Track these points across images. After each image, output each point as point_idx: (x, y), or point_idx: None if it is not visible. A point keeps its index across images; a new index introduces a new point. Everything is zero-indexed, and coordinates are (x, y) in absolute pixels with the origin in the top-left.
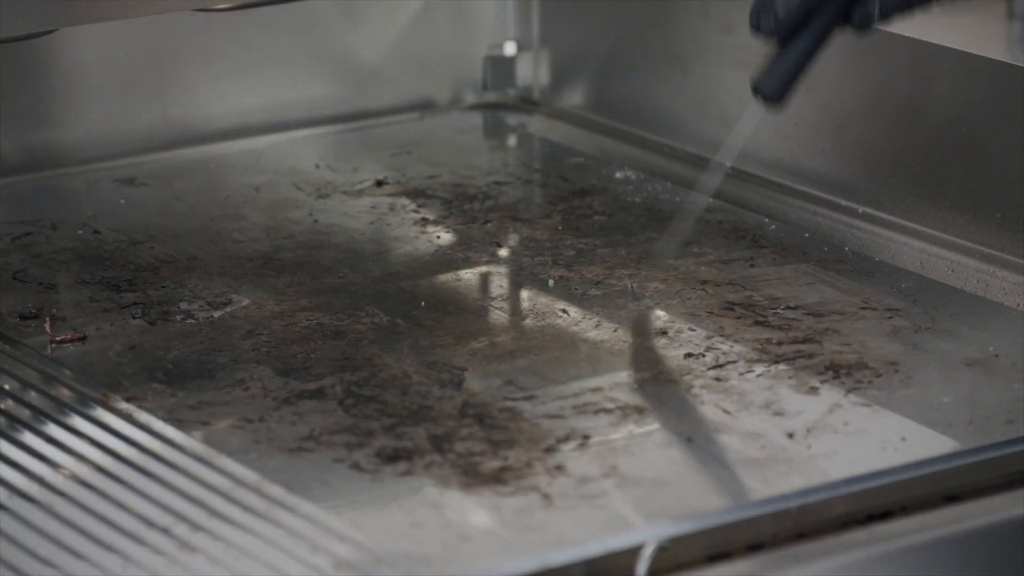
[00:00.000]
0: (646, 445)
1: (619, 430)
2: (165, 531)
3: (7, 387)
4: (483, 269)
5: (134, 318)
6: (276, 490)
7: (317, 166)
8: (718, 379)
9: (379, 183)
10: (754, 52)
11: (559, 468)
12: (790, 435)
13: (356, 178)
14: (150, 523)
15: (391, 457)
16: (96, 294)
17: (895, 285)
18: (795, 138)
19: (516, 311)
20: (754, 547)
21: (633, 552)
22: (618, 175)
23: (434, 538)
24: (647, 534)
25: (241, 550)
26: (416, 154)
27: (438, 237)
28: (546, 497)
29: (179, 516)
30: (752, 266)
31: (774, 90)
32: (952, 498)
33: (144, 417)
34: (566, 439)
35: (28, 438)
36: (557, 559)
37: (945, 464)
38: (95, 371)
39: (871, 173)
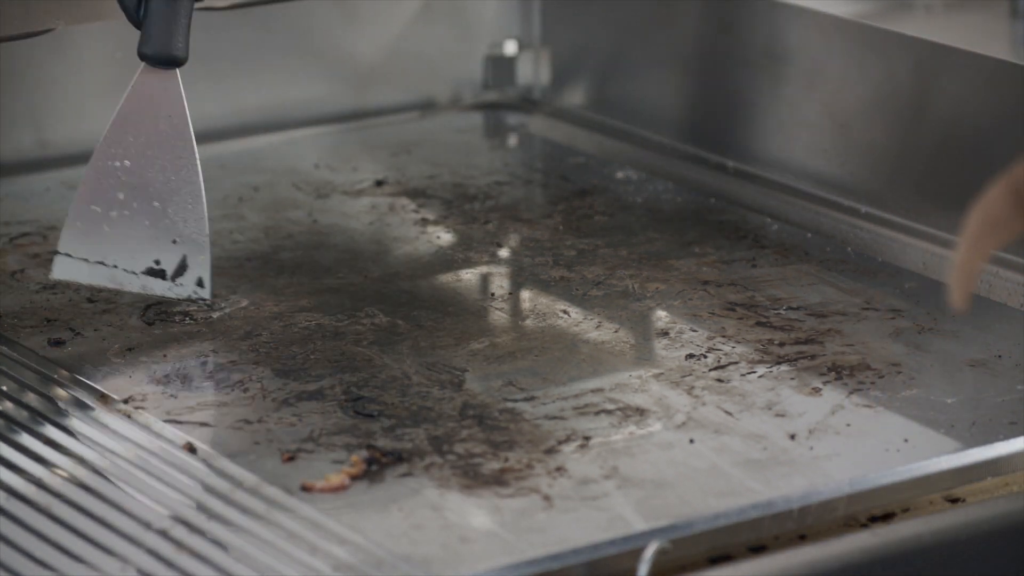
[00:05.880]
0: (647, 446)
1: (620, 431)
2: (163, 533)
3: (5, 388)
4: (483, 269)
5: (132, 319)
6: (275, 492)
7: (316, 166)
8: (720, 380)
9: (379, 183)
10: (756, 52)
11: (560, 469)
12: (792, 436)
13: (356, 178)
14: (148, 525)
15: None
16: (94, 295)
17: (898, 286)
18: (797, 138)
19: (516, 312)
20: (756, 549)
21: (634, 554)
22: (619, 175)
23: (434, 540)
24: (648, 536)
25: (240, 552)
26: (416, 154)
27: (438, 237)
28: (547, 498)
29: (177, 518)
30: (754, 266)
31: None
32: (955, 500)
33: (142, 418)
34: (567, 440)
35: (26, 440)
36: (558, 561)
37: (947, 465)
38: (93, 372)
39: (874, 173)
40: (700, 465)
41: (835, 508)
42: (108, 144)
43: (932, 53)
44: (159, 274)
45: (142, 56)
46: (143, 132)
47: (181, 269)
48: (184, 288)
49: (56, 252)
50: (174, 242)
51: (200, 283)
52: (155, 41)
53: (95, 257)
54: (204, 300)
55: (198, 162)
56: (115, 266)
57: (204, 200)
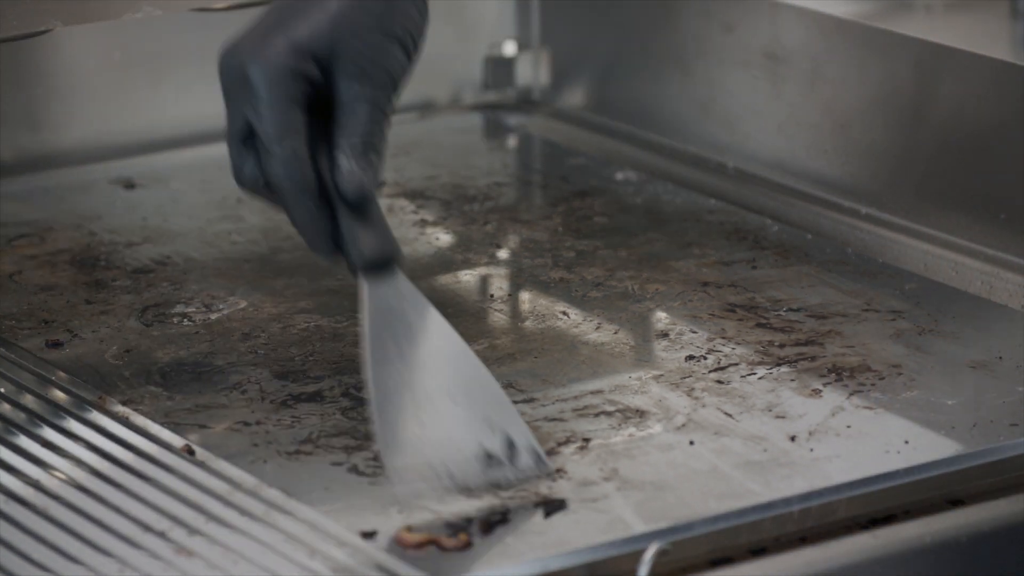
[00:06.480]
0: (647, 448)
1: (620, 433)
2: (162, 535)
3: (2, 390)
4: (483, 271)
5: (130, 320)
6: (274, 494)
7: None
8: (720, 381)
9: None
10: (756, 52)
11: (559, 471)
12: (792, 438)
13: None
14: (147, 527)
15: None
16: (92, 296)
17: (898, 287)
18: (797, 138)
19: (516, 313)
20: (756, 551)
21: (634, 556)
22: (619, 176)
23: None
24: (648, 538)
25: (239, 554)
26: (415, 155)
27: (437, 238)
28: (547, 500)
29: (176, 520)
30: (754, 267)
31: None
32: (956, 501)
33: (140, 420)
34: (566, 442)
35: (23, 441)
36: (558, 563)
37: (948, 467)
38: (91, 374)
39: (874, 174)
40: (700, 467)
41: (835, 510)
42: (377, 364)
43: (933, 54)
44: (495, 462)
45: (359, 270)
46: (403, 339)
47: (511, 448)
48: (526, 467)
49: (391, 467)
50: (489, 427)
51: (537, 456)
52: (368, 248)
53: (429, 463)
54: (549, 471)
55: (466, 345)
56: (453, 469)
57: (493, 378)
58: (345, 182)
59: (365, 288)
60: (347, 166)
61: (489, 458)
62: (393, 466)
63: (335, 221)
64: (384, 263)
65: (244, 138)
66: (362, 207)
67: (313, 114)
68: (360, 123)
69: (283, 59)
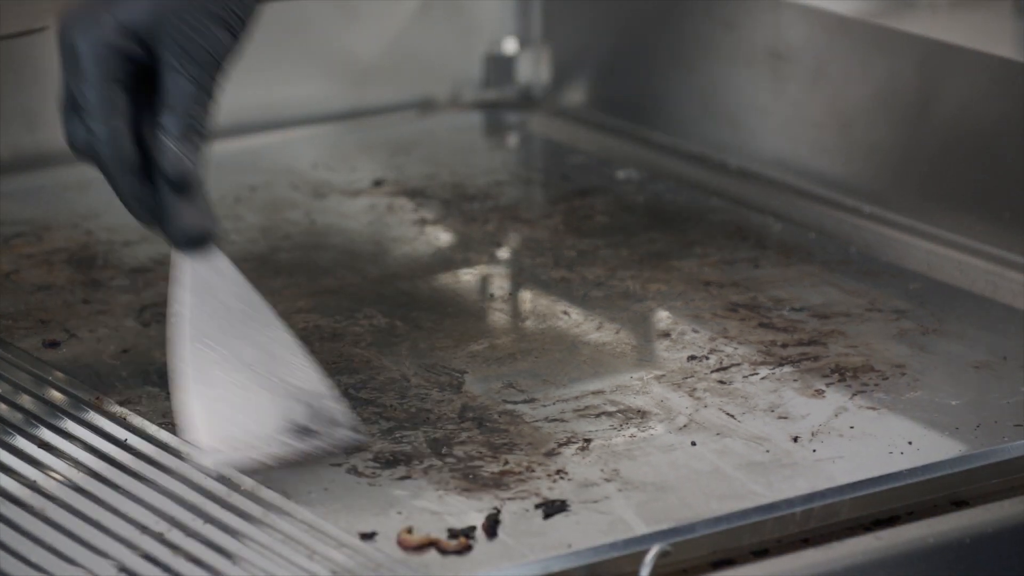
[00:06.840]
0: (648, 449)
1: (621, 433)
2: (159, 537)
3: None
4: (483, 270)
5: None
6: (272, 495)
7: (314, 166)
8: (722, 382)
9: (377, 183)
10: (759, 50)
11: (560, 472)
12: (795, 439)
13: (354, 178)
14: (144, 529)
15: (389, 461)
16: (89, 295)
17: (902, 286)
18: (800, 137)
19: (516, 313)
20: (758, 552)
21: (635, 557)
22: (620, 174)
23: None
24: (649, 539)
25: (237, 556)
26: (415, 153)
27: (437, 238)
28: (547, 501)
29: (174, 522)
30: (756, 267)
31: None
32: (960, 503)
33: (138, 421)
34: (567, 443)
35: (20, 442)
36: (558, 564)
37: (952, 468)
38: (88, 374)
39: (877, 172)
40: (702, 468)
41: (838, 511)
42: (193, 341)
43: (937, 52)
44: (309, 433)
45: (177, 245)
46: (219, 316)
47: (326, 421)
48: (339, 435)
49: (193, 446)
50: (303, 401)
51: (352, 428)
52: (187, 224)
53: (244, 439)
54: (363, 439)
55: (281, 322)
56: (266, 442)
57: (306, 354)
58: (167, 163)
59: (183, 264)
60: (169, 148)
61: (302, 429)
62: (203, 442)
63: (157, 194)
64: (201, 239)
65: (73, 107)
66: (183, 186)
67: (141, 90)
68: (183, 104)
69: (108, 38)
